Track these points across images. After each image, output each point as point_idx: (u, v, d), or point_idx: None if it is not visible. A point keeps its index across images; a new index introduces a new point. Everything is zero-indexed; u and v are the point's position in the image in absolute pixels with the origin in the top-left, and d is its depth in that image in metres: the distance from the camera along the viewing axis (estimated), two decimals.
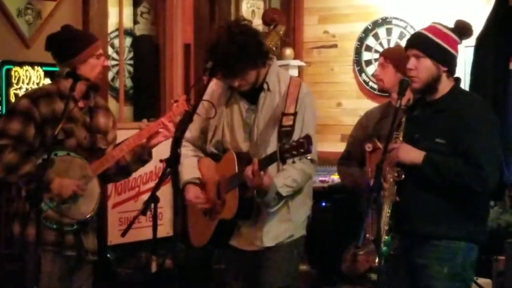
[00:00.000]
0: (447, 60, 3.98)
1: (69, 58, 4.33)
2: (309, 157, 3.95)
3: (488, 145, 3.89)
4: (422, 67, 3.95)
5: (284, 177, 4.00)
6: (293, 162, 3.79)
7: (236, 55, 3.92)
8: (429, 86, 3.99)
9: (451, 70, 4.00)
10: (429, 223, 3.96)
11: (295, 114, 3.98)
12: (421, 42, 4.00)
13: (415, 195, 3.98)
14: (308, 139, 3.69)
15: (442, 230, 3.95)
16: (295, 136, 3.90)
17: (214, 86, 4.22)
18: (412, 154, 3.93)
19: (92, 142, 4.40)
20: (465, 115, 3.93)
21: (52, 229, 4.25)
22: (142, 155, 4.50)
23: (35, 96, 4.34)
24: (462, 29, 4.02)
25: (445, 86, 4.00)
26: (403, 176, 3.94)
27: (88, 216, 4.35)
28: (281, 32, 7.14)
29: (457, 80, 4.08)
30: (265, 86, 4.13)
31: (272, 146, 4.05)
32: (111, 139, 4.53)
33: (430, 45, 3.97)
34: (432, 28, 4.03)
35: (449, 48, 3.98)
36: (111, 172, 4.49)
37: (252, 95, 4.16)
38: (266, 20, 7.08)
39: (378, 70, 4.94)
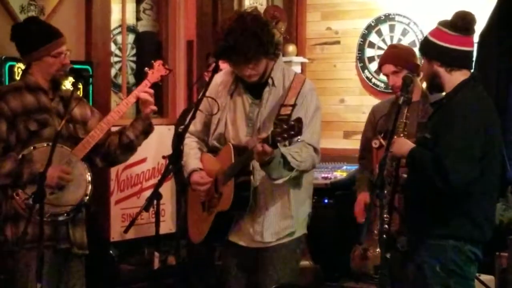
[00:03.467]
0: (435, 53, 3.98)
1: (26, 53, 4.32)
2: (299, 140, 3.94)
3: (457, 142, 3.83)
4: (423, 68, 4.06)
5: (289, 147, 3.98)
6: (285, 145, 3.79)
7: (250, 40, 3.94)
8: (431, 83, 4.03)
9: (446, 63, 3.98)
10: (419, 221, 4.00)
11: (293, 106, 3.99)
12: (420, 45, 4.14)
13: (410, 192, 4.04)
14: (299, 121, 3.68)
15: (430, 229, 3.97)
16: None
17: (218, 80, 4.23)
18: (404, 148, 3.96)
19: (71, 131, 4.34)
20: (450, 112, 3.93)
21: (46, 222, 4.16)
22: (140, 127, 4.46)
23: (1, 92, 4.31)
24: (461, 20, 4.02)
25: (451, 81, 4.00)
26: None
27: (78, 202, 4.30)
28: (282, 29, 7.16)
29: (470, 75, 4.06)
30: (269, 81, 4.14)
31: None
32: (91, 127, 4.44)
33: (423, 45, 4.07)
34: (432, 29, 4.08)
35: (438, 42, 3.98)
36: (117, 153, 4.47)
37: (256, 90, 4.16)
38: (267, 18, 7.09)
39: (393, 79, 4.87)
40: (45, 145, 4.25)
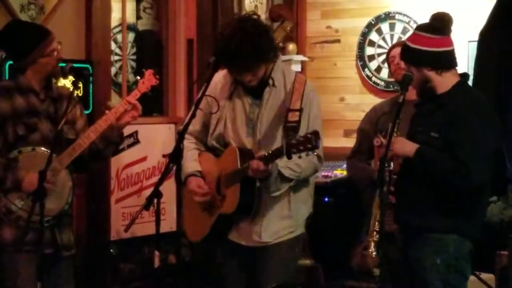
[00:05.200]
0: (424, 60, 4.03)
1: (19, 60, 4.28)
2: (315, 153, 3.96)
3: (474, 142, 3.90)
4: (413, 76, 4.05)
5: (287, 160, 3.98)
6: (299, 157, 3.80)
7: (251, 50, 3.92)
8: (422, 89, 4.07)
9: (437, 66, 4.03)
10: (420, 216, 4.02)
11: (300, 110, 3.99)
12: (403, 54, 4.15)
13: (407, 188, 4.06)
14: (316, 134, 3.70)
15: (433, 223, 4.00)
16: (301, 132, 3.91)
17: (216, 79, 4.21)
18: (407, 148, 4.00)
19: (60, 134, 4.23)
20: (459, 110, 3.97)
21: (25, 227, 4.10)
22: (111, 137, 4.39)
23: None
24: (440, 22, 4.07)
25: (444, 82, 4.04)
26: (391, 166, 3.99)
27: (60, 210, 4.26)
28: (288, 28, 7.17)
29: (463, 76, 4.12)
30: (270, 81, 4.13)
31: (277, 142, 4.05)
32: (80, 128, 4.41)
33: (408, 53, 4.10)
34: (411, 36, 4.15)
35: (422, 48, 4.02)
36: (86, 160, 4.39)
37: (256, 90, 4.15)
38: (273, 17, 7.10)
39: (399, 60, 4.88)
40: (30, 149, 4.21)
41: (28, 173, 4.15)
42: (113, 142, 4.44)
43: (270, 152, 3.89)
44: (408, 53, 4.08)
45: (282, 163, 3.98)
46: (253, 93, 4.16)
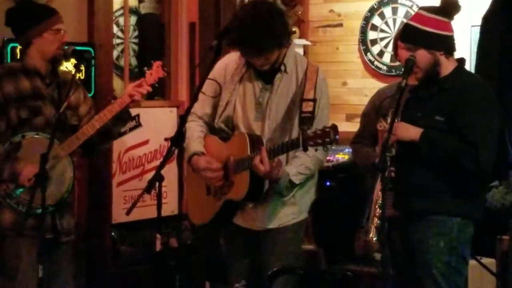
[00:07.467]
0: (440, 43, 4.02)
1: (23, 32, 4.25)
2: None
3: (484, 124, 3.93)
4: (419, 58, 4.01)
5: (296, 165, 4.00)
6: (316, 150, 3.78)
7: (264, 34, 3.90)
8: (431, 72, 4.05)
9: (448, 50, 4.04)
10: (423, 199, 4.03)
11: (314, 101, 3.96)
12: (410, 35, 4.09)
13: (411, 172, 4.06)
14: (334, 129, 3.68)
15: (437, 206, 4.01)
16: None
17: (227, 61, 4.19)
18: (411, 132, 4.00)
19: (61, 118, 4.22)
20: (465, 94, 3.98)
21: (25, 213, 4.10)
22: (121, 115, 4.39)
23: None
24: (449, 7, 4.04)
25: (447, 66, 4.06)
26: (393, 151, 3.98)
27: (58, 199, 4.25)
28: (299, 12, 7.17)
29: (461, 61, 4.12)
30: (282, 67, 4.11)
31: (285, 128, 4.05)
32: (83, 114, 4.41)
33: (419, 36, 4.03)
34: (417, 17, 4.08)
35: (438, 31, 4.00)
36: (95, 142, 4.37)
37: (268, 75, 4.13)
38: (285, 1, 7.10)
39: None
40: (34, 134, 4.20)
41: (26, 166, 4.15)
42: (120, 119, 4.43)
43: (282, 143, 3.88)
44: (419, 35, 4.03)
45: (293, 171, 3.99)
46: (265, 78, 4.14)
